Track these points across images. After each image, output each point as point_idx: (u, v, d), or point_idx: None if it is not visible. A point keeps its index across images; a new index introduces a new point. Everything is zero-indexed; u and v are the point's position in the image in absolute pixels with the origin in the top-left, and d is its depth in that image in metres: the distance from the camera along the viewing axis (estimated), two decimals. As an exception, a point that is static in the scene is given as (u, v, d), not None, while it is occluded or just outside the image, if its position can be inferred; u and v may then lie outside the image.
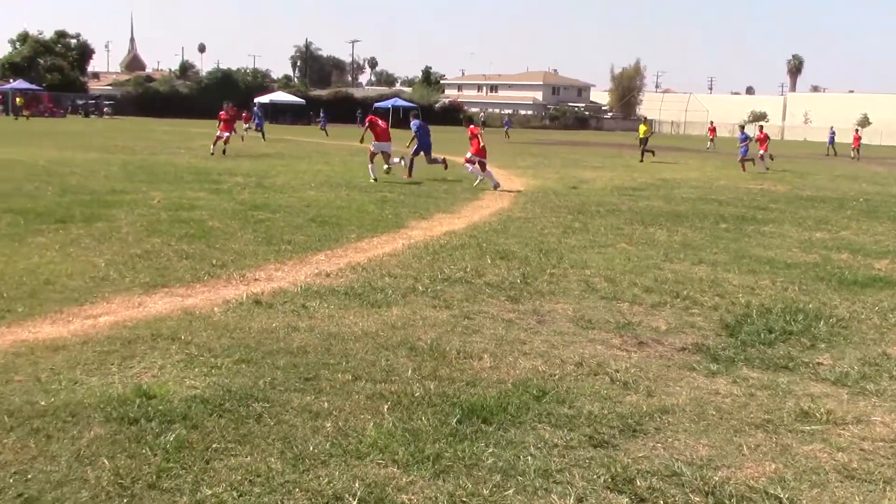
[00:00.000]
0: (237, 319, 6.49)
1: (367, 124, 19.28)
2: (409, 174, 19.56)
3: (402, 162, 19.60)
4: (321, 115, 53.75)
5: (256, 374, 5.18)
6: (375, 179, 18.54)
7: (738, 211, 15.61)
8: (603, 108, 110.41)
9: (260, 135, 37.87)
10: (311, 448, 4.07)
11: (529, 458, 4.06)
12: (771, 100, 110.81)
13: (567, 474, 3.90)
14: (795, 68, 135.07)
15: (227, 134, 25.78)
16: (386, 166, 19.08)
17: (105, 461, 3.83)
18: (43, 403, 4.50)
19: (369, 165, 18.96)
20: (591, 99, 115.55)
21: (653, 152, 32.35)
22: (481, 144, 18.54)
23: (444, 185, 18.59)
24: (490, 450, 4.12)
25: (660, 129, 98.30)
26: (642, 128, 33.60)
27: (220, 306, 6.88)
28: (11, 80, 69.95)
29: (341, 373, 5.27)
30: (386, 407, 4.67)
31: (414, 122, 20.61)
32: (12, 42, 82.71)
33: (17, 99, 58.01)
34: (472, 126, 20.01)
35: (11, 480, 3.61)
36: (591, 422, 4.58)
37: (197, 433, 4.20)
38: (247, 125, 39.00)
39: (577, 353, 6.00)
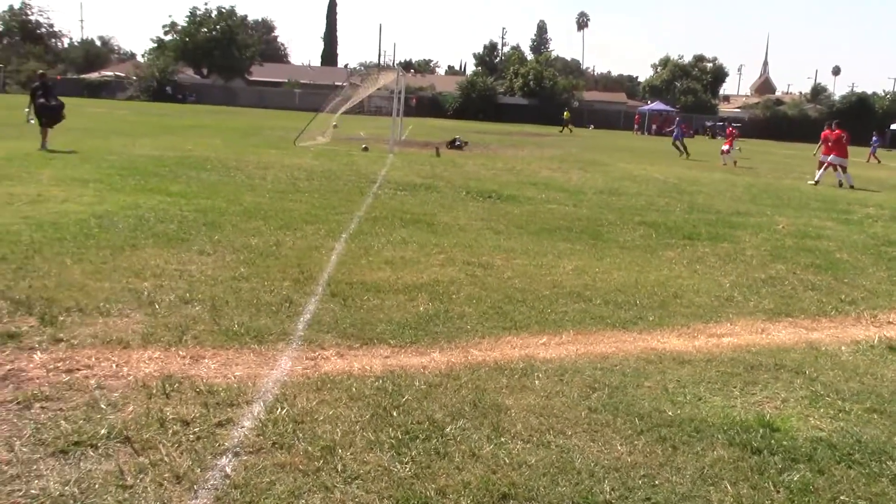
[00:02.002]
0: (868, 363, 5.98)
1: None
2: None
3: None
4: None
5: (891, 428, 4.68)
6: None
7: None
8: None
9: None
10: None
11: None
12: None
13: None
14: None
15: (827, 158, 23.47)
16: None
17: (727, 485, 3.81)
18: (670, 413, 4.68)
19: None
20: None
21: None
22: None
23: None
24: None
25: None
26: None
27: (847, 345, 6.43)
28: (650, 102, 76.12)
29: None
30: None
31: None
32: (654, 66, 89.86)
33: (565, 113, 62.15)
34: None
35: (640, 482, 3.81)
36: None
37: (823, 479, 3.94)
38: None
39: None
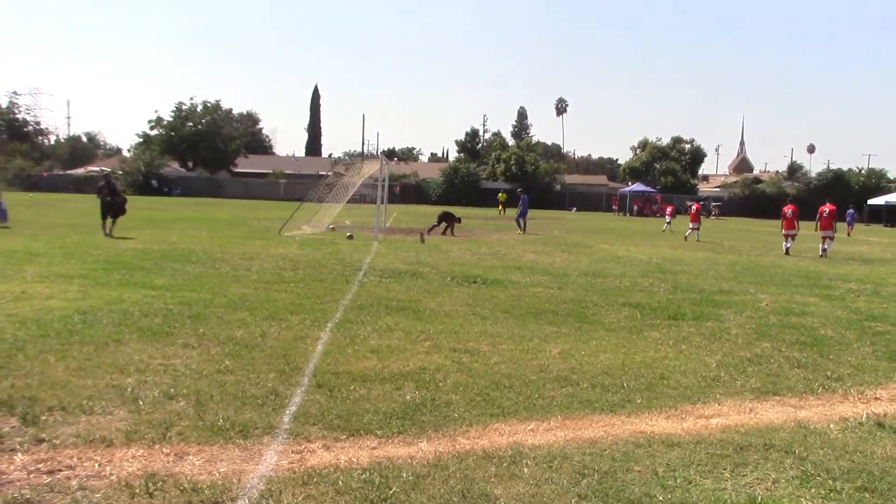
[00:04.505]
0: (857, 441, 5.97)
1: None
2: None
3: None
4: None
5: (883, 507, 4.65)
6: None
7: None
8: None
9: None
10: None
11: None
12: None
13: None
14: None
15: (827, 233, 26.36)
16: None
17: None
18: (660, 498, 4.64)
19: None
20: None
21: None
22: None
23: None
24: None
25: None
26: None
27: (836, 423, 6.42)
28: (630, 184, 77.46)
29: None
30: None
31: None
32: (633, 149, 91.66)
33: (501, 195, 62.36)
34: None
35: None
36: None
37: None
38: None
39: None
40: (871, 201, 68.88)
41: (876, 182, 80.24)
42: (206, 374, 7.06)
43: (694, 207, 34.97)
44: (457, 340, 9.05)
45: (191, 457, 5.06)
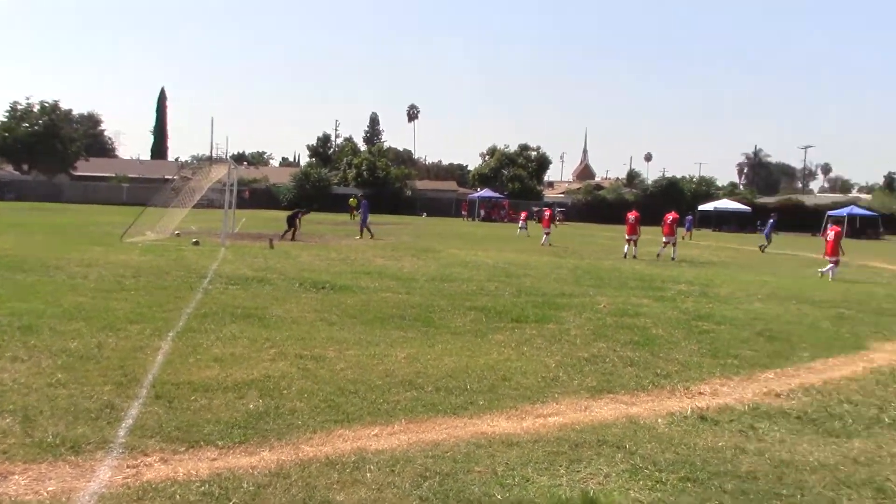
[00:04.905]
0: (682, 434, 6.36)
1: None
2: None
3: None
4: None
5: (703, 495, 4.99)
6: None
7: None
8: None
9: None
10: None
11: None
12: None
13: None
14: None
15: (670, 238, 27.91)
16: None
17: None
18: (499, 497, 4.79)
19: None
20: None
21: None
22: None
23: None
24: None
25: None
26: None
27: (664, 418, 6.81)
28: (479, 190, 79.08)
29: (795, 507, 4.86)
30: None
31: None
32: (482, 155, 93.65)
33: (352, 199, 63.18)
34: None
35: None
36: None
37: (641, 550, 4.13)
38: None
39: None
40: (701, 207, 73.14)
41: (706, 189, 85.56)
42: (35, 388, 6.70)
43: (546, 213, 36.16)
44: (303, 347, 8.98)
45: (16, 476, 4.80)
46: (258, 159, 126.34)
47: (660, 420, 6.73)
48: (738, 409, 7.20)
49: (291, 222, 29.54)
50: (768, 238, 37.69)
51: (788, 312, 14.12)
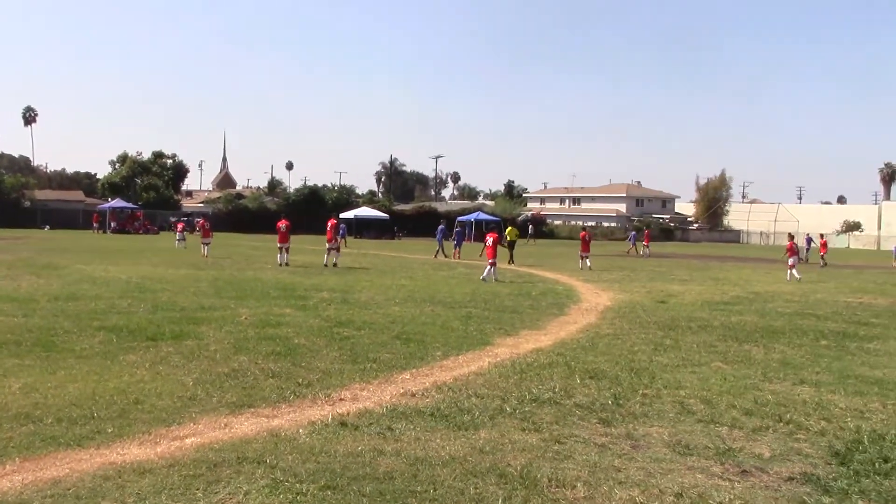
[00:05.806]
0: (322, 442, 6.37)
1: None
2: None
3: None
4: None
5: (342, 501, 5.02)
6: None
7: (838, 326, 14.92)
8: (688, 219, 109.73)
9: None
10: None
11: None
12: (864, 209, 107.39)
13: None
14: (889, 177, 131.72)
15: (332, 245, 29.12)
16: None
17: None
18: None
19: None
20: (676, 210, 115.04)
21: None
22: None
23: (528, 300, 18.45)
24: None
25: (748, 239, 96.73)
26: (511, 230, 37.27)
27: (305, 428, 6.79)
28: (110, 200, 74.04)
29: (429, 501, 5.07)
30: (477, 542, 4.43)
31: None
32: (112, 163, 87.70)
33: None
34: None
35: None
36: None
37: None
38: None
39: (677, 482, 5.66)
40: (342, 215, 75.33)
41: (347, 197, 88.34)
42: None
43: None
44: None
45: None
46: None
47: (301, 430, 6.69)
48: (377, 412, 7.40)
49: None
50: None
51: (423, 314, 14.95)
